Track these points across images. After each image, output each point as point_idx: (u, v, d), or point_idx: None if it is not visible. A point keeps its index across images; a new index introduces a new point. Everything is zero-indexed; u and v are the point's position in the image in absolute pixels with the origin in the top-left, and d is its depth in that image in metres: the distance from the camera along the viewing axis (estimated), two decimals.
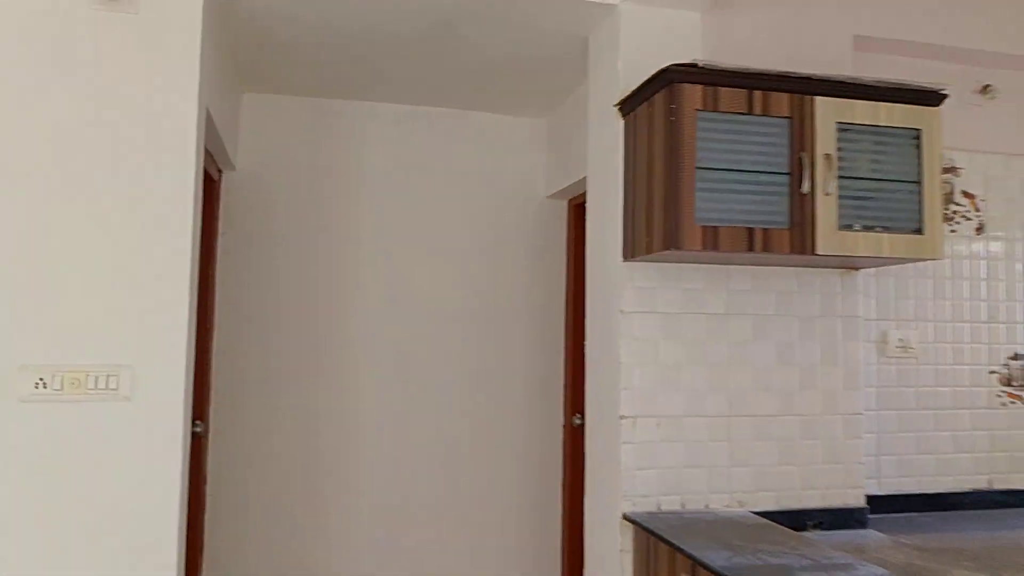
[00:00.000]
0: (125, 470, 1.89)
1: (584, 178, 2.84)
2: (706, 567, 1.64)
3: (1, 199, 1.86)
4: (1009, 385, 2.59)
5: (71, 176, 1.90)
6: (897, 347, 2.46)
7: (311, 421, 3.15)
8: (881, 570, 1.63)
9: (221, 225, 3.08)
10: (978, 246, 2.59)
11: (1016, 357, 2.61)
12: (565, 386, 3.34)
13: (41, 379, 1.86)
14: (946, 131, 2.50)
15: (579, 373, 3.19)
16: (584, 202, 3.08)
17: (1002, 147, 2.62)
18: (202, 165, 2.10)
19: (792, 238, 1.87)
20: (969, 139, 2.59)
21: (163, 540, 1.90)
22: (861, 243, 1.92)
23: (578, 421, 3.19)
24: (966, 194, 2.58)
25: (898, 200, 1.98)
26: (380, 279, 3.24)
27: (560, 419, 3.37)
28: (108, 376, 1.90)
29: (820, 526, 2.17)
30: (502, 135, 3.40)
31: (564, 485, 3.30)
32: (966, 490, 2.53)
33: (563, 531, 3.30)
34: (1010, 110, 2.63)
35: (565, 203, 3.41)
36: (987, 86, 2.59)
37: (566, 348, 3.36)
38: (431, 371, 3.26)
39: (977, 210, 2.60)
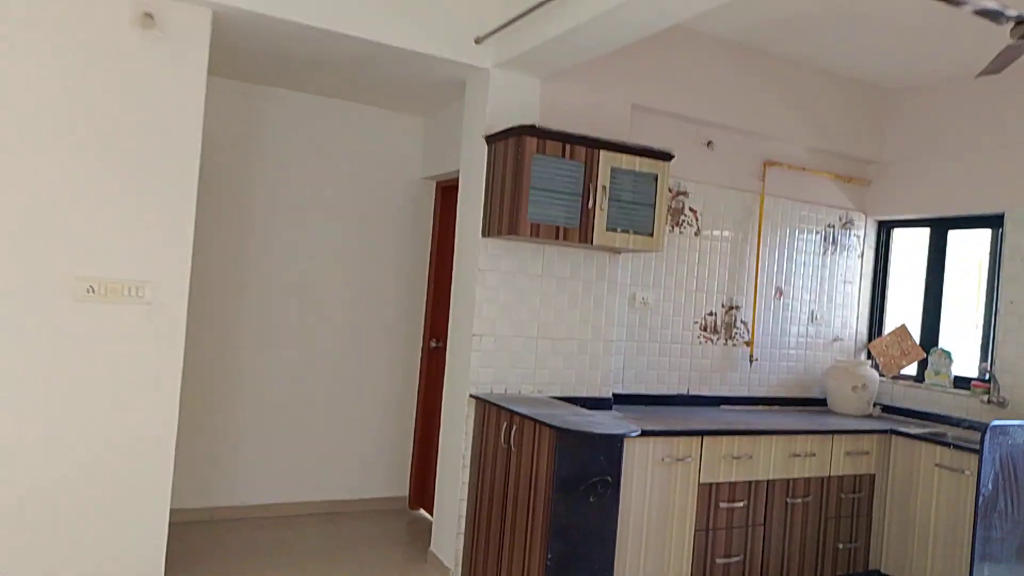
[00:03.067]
0: (146, 350, 2.84)
1: (449, 167, 4.06)
2: (514, 412, 2.96)
3: (76, 164, 2.70)
4: (704, 331, 4.19)
5: (119, 150, 2.77)
6: (640, 303, 3.94)
7: (235, 329, 4.08)
8: (596, 413, 3.05)
9: None
10: (695, 242, 4.12)
11: (711, 314, 4.20)
12: (425, 320, 4.55)
13: (91, 287, 2.75)
14: (683, 168, 4.00)
15: (436, 310, 4.42)
16: (448, 184, 4.29)
17: (715, 181, 4.16)
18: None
19: (580, 234, 3.20)
20: (697, 174, 4.09)
21: (168, 395, 2.89)
22: (618, 239, 3.30)
23: (434, 344, 4.42)
24: (691, 209, 4.10)
25: (642, 215, 3.37)
26: (289, 229, 4.21)
27: (420, 343, 4.58)
28: (137, 287, 2.83)
29: (585, 406, 3.58)
30: (391, 126, 4.46)
31: (420, 386, 4.55)
32: (674, 393, 4.09)
33: (416, 415, 4.57)
34: (722, 158, 4.17)
35: (434, 184, 4.57)
36: (710, 142, 4.11)
37: (427, 292, 4.55)
38: (326, 304, 4.31)
39: (697, 219, 4.12)
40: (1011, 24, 2.67)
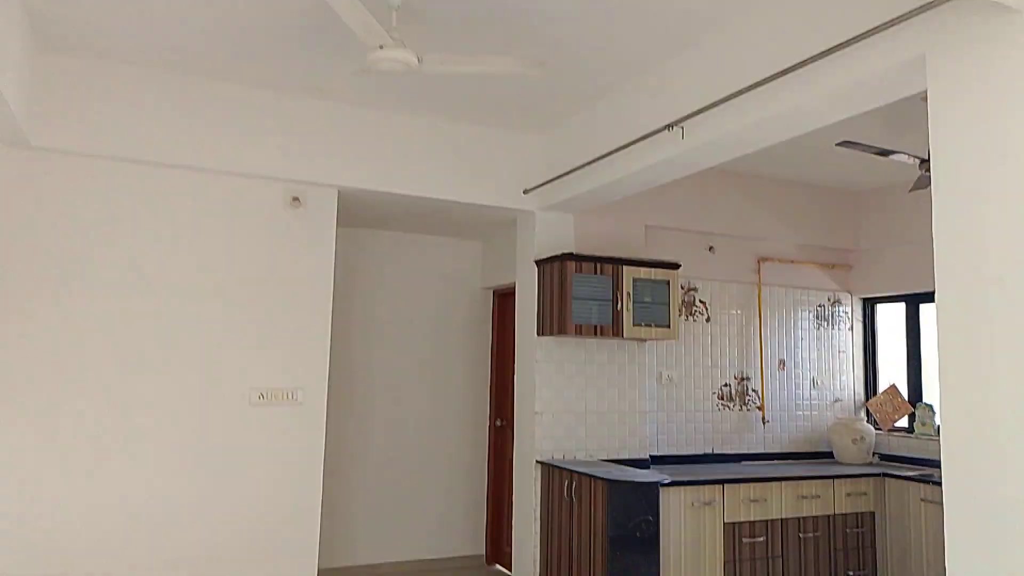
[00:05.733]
0: (298, 440, 3.85)
1: (503, 279, 5.13)
2: (574, 472, 3.89)
3: (246, 306, 3.80)
4: (722, 399, 5.09)
5: (276, 294, 3.88)
6: (666, 379, 4.88)
7: (346, 422, 5.09)
8: (636, 470, 3.95)
9: None
10: (707, 327, 5.09)
11: (725, 385, 5.12)
12: (489, 403, 5.53)
13: (261, 394, 3.80)
14: (691, 269, 5.01)
15: (498, 395, 5.40)
16: (504, 292, 5.35)
17: (719, 277, 5.16)
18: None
19: (613, 330, 4.20)
20: (703, 273, 5.10)
21: (314, 474, 3.88)
22: (643, 332, 4.29)
23: (499, 423, 5.38)
24: (701, 301, 5.08)
25: (659, 312, 4.37)
26: (381, 338, 5.28)
27: (487, 422, 5.54)
28: (292, 392, 3.87)
29: (627, 466, 4.48)
30: (456, 250, 5.59)
31: (489, 456, 5.48)
32: (700, 453, 4.97)
33: (488, 483, 5.47)
34: (722, 259, 5.17)
35: (491, 292, 5.64)
36: (711, 247, 5.13)
37: (490, 380, 5.55)
38: (412, 396, 5.33)
39: (707, 309, 5.10)
40: (917, 163, 3.73)
